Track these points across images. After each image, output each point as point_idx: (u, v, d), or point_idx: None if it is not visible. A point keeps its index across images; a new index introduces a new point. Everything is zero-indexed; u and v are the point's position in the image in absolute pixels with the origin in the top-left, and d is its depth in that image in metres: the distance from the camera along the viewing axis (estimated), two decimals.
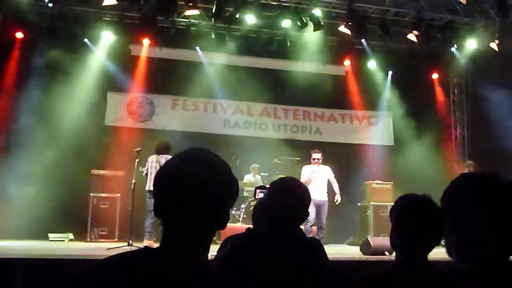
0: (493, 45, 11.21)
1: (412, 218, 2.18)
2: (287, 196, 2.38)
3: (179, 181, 1.42)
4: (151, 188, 8.72)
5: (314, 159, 8.97)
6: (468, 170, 9.77)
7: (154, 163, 8.69)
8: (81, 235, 9.95)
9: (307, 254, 2.32)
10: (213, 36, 11.84)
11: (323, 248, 2.47)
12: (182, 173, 1.44)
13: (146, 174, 8.72)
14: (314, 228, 8.91)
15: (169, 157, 8.91)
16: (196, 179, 1.42)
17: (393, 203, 2.31)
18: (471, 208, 1.60)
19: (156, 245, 1.37)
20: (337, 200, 8.87)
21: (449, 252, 1.67)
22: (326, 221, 8.98)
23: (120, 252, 1.43)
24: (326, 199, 8.79)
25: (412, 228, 2.16)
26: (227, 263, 2.25)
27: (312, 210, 7.96)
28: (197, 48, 12.16)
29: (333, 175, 9.05)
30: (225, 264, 2.25)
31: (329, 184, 9.14)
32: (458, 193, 1.67)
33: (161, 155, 8.69)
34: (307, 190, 2.50)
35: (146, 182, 8.76)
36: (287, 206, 2.35)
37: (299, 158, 10.97)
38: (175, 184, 1.43)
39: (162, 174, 1.48)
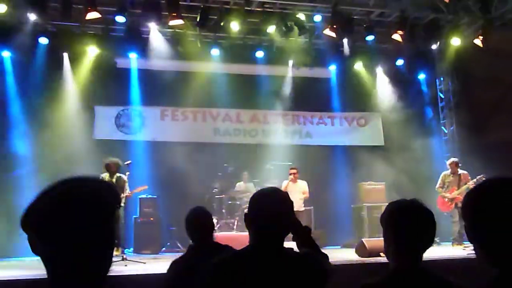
0: (477, 41, 11.26)
1: (402, 224, 2.15)
2: (267, 208, 2.29)
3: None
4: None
5: (290, 174, 10.11)
6: (451, 167, 9.94)
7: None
8: None
9: (295, 268, 2.20)
10: (199, 45, 11.81)
11: (318, 261, 2.33)
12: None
13: None
14: None
15: (121, 176, 8.85)
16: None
17: (386, 204, 2.28)
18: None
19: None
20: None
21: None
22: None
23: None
24: (302, 209, 9.94)
25: (403, 234, 2.14)
26: (213, 278, 2.19)
27: None
28: (184, 57, 12.11)
29: (307, 190, 10.12)
30: (210, 280, 2.19)
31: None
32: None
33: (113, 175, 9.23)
34: (289, 199, 2.39)
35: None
36: (267, 217, 2.26)
37: (290, 163, 10.97)
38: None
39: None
